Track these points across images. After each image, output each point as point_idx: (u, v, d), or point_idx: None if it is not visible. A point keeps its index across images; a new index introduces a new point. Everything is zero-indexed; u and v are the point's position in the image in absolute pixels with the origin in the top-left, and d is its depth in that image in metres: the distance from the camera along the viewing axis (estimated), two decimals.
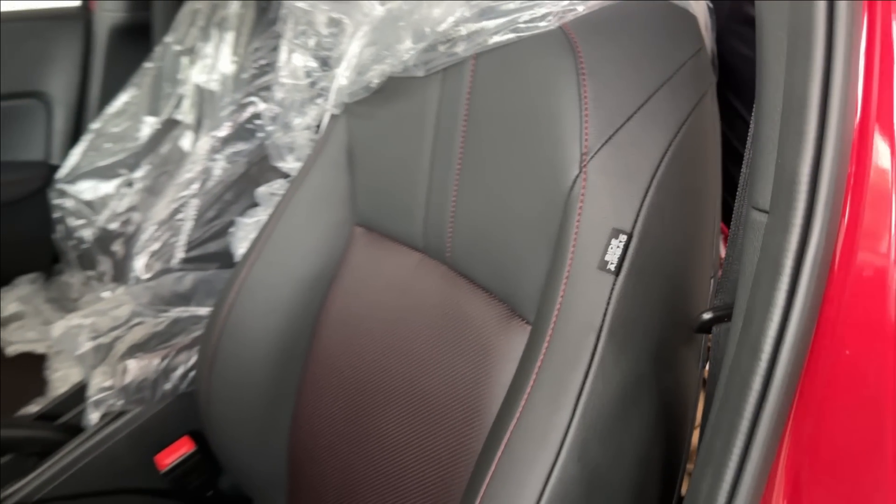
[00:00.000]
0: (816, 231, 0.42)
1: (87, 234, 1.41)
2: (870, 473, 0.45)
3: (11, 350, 1.31)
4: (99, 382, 0.92)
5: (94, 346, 0.96)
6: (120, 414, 0.95)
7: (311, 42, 0.83)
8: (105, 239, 1.37)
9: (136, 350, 0.96)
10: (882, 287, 0.43)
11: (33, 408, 1.12)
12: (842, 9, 0.40)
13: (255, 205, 1.09)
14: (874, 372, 0.44)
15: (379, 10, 0.75)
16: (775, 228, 0.43)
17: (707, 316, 0.58)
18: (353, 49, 0.77)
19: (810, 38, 0.41)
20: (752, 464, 0.44)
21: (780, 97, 0.44)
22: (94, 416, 0.93)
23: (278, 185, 1.03)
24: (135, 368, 0.93)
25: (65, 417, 1.02)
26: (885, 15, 0.42)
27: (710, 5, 0.67)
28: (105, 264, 1.37)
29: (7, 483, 0.94)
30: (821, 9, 0.41)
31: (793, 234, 0.42)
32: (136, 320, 1.00)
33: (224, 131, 1.14)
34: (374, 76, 0.76)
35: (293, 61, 0.89)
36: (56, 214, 1.44)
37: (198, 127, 1.31)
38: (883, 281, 0.43)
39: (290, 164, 0.99)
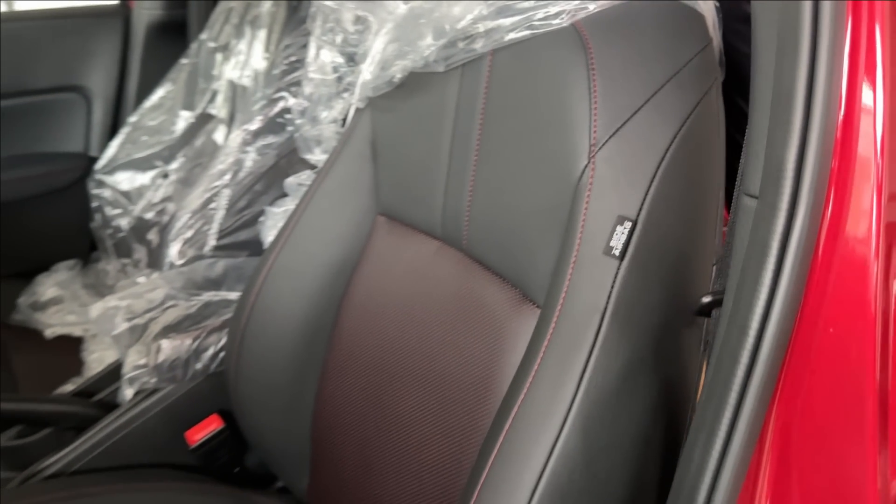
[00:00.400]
0: (801, 215, 0.45)
1: (124, 222, 1.47)
2: (851, 443, 0.47)
3: (50, 332, 1.37)
4: (133, 361, 0.97)
5: (130, 326, 1.02)
6: (153, 392, 1.00)
7: (339, 39, 0.87)
8: (140, 228, 1.43)
9: (169, 331, 1.01)
10: (864, 270, 0.45)
11: (70, 386, 1.18)
12: (826, 8, 0.43)
13: (284, 195, 1.13)
14: (856, 349, 0.46)
15: (402, 8, 0.79)
16: (763, 213, 0.46)
17: (706, 299, 0.61)
18: (377, 45, 0.81)
19: (797, 35, 0.44)
20: (739, 432, 0.48)
21: (770, 89, 0.46)
22: (128, 393, 0.98)
23: (306, 176, 1.07)
24: (168, 348, 0.98)
25: (100, 395, 1.07)
26: (870, 15, 0.45)
27: (717, 4, 0.70)
28: (140, 252, 1.43)
29: (46, 455, 1.00)
30: (807, 8, 0.44)
31: (779, 218, 0.45)
32: (170, 303, 1.05)
33: (255, 125, 1.19)
34: (397, 71, 0.80)
35: (321, 57, 0.93)
36: (94, 204, 1.51)
37: (230, 121, 1.36)
38: (865, 264, 0.45)
39: (318, 156, 1.04)
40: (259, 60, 1.30)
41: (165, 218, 1.37)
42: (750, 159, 0.49)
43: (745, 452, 0.48)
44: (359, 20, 0.84)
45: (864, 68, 0.44)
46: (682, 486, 0.51)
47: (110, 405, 1.04)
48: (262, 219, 1.13)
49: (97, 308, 1.05)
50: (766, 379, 0.46)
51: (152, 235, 1.39)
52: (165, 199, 1.42)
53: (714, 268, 0.67)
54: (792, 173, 0.45)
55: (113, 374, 1.09)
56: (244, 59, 1.35)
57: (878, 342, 0.45)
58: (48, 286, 1.46)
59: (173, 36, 1.58)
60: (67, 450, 0.98)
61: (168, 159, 1.47)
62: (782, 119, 0.45)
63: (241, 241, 1.16)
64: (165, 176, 1.47)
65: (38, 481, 0.96)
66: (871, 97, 0.44)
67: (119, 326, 1.02)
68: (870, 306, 0.45)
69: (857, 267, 0.45)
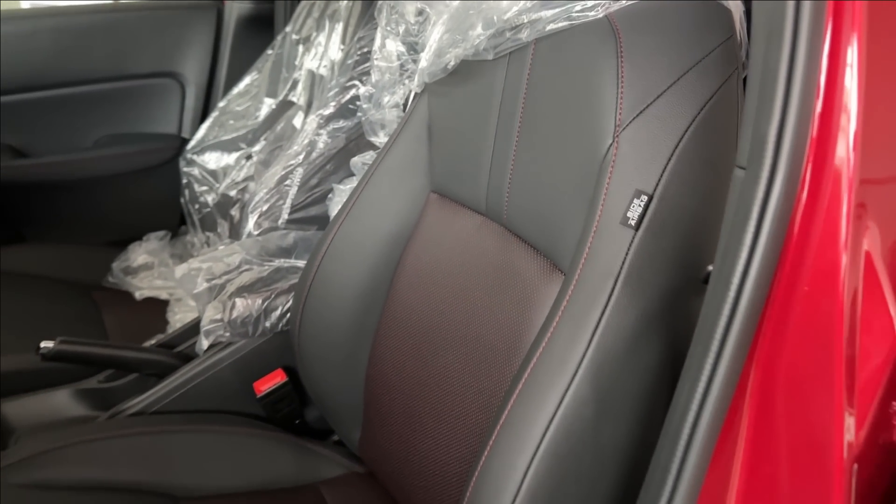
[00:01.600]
0: (778, 182, 0.50)
1: (210, 199, 1.60)
2: (822, 395, 0.53)
3: (139, 295, 1.51)
4: (210, 315, 1.08)
5: (209, 286, 1.13)
6: (226, 345, 1.11)
7: (401, 29, 0.96)
8: (224, 204, 1.56)
9: (242, 291, 1.12)
10: (835, 234, 0.51)
11: (154, 341, 1.30)
12: (806, 7, 0.49)
13: (351, 175, 1.23)
14: (826, 307, 0.52)
15: (456, 1, 0.87)
16: (748, 181, 0.52)
17: (711, 268, 0.67)
18: (434, 35, 0.89)
19: (781, 26, 0.50)
20: (719, 377, 0.53)
21: (759, 72, 0.52)
22: (204, 343, 1.09)
23: (369, 156, 1.16)
24: (241, 306, 1.09)
25: (180, 347, 1.20)
26: (850, 13, 0.50)
27: (745, 5, 0.75)
28: (223, 226, 1.55)
29: (131, 397, 1.13)
30: (790, 7, 0.50)
31: (760, 186, 0.51)
32: (245, 267, 1.16)
33: (329, 110, 1.28)
34: (450, 59, 0.88)
35: (386, 47, 1.02)
36: (184, 181, 1.65)
37: (308, 107, 1.47)
38: (836, 228, 0.51)
39: (382, 139, 1.13)
40: (335, 51, 1.40)
41: (247, 196, 1.49)
42: (742, 135, 0.54)
43: (725, 397, 0.54)
44: (419, 12, 0.92)
45: (842, 56, 0.50)
46: (670, 425, 0.57)
47: (188, 356, 1.16)
48: (330, 196, 1.23)
49: (181, 269, 1.17)
50: (745, 328, 0.52)
51: (234, 211, 1.52)
52: (247, 179, 1.54)
53: None
54: (773, 145, 0.50)
55: (192, 330, 1.21)
56: (322, 51, 1.45)
57: (847, 301, 0.50)
58: (140, 253, 1.61)
59: (260, 28, 1.71)
60: (149, 393, 1.11)
61: (251, 142, 1.60)
62: (767, 96, 0.51)
63: (311, 216, 1.26)
64: (249, 157, 1.59)
65: (122, 418, 1.09)
66: (848, 83, 0.50)
67: (200, 286, 1.14)
68: (838, 269, 0.50)
69: (829, 231, 0.51)
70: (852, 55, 0.50)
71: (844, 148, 0.50)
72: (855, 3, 0.49)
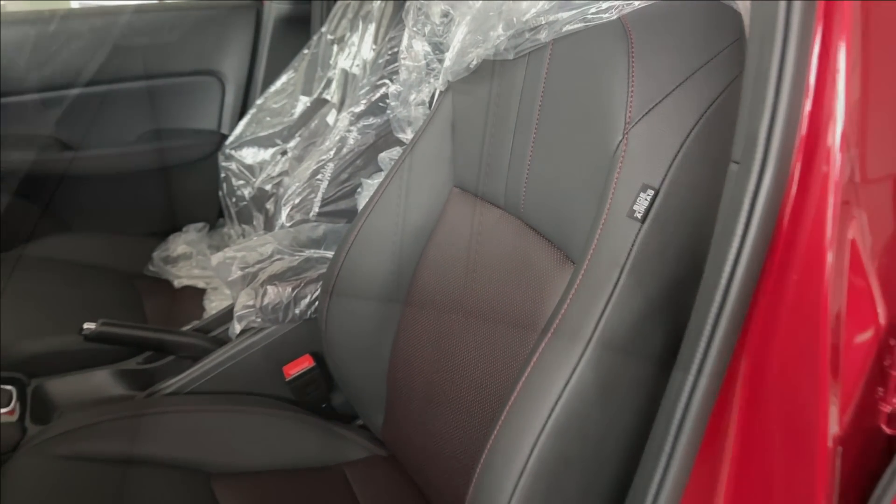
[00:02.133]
0: (768, 177, 0.53)
1: (246, 192, 1.66)
2: (807, 379, 0.55)
3: (178, 283, 1.58)
4: (243, 301, 1.14)
5: (242, 274, 1.19)
6: (257, 330, 1.17)
7: (427, 30, 1.00)
8: (260, 198, 1.61)
9: (274, 279, 1.17)
10: (822, 226, 0.53)
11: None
12: (796, 7, 0.52)
13: (379, 170, 1.27)
14: (813, 296, 0.54)
15: (479, 2, 0.90)
16: (740, 175, 0.55)
17: None
18: (457, 36, 0.93)
19: (775, 23, 0.53)
20: (709, 362, 0.56)
21: (753, 70, 0.55)
22: (237, 328, 1.15)
23: (396, 152, 1.21)
24: (272, 293, 1.14)
25: (215, 331, 1.25)
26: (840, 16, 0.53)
27: None
28: (258, 219, 1.61)
29: (167, 377, 1.18)
30: (782, 7, 0.52)
31: (751, 178, 0.54)
32: (277, 257, 1.21)
33: (359, 108, 1.33)
34: (473, 58, 0.92)
35: (413, 46, 1.06)
36: (222, 175, 1.71)
37: (340, 105, 1.52)
38: (823, 221, 0.53)
39: (409, 135, 1.17)
40: (367, 51, 1.45)
41: (282, 190, 1.54)
42: (737, 132, 0.57)
43: (716, 381, 0.57)
44: (444, 13, 0.96)
45: (832, 57, 0.52)
46: (664, 409, 0.61)
47: (222, 340, 1.21)
48: (359, 190, 1.28)
49: (217, 258, 1.23)
50: (735, 315, 0.55)
51: (270, 205, 1.57)
52: (282, 174, 1.60)
53: None
54: (764, 140, 0.53)
55: (226, 315, 1.27)
56: (356, 51, 1.50)
57: (832, 291, 0.53)
58: (179, 244, 1.67)
59: (297, 28, 1.77)
60: (184, 374, 1.16)
61: (287, 138, 1.65)
62: (759, 95, 0.54)
63: (340, 210, 1.31)
64: (284, 153, 1.64)
65: (159, 397, 1.14)
66: (838, 83, 0.52)
67: (234, 273, 1.19)
68: (824, 259, 0.53)
69: (816, 223, 0.53)
70: (842, 56, 0.52)
71: (833, 146, 0.53)
72: (844, 4, 0.52)
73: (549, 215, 0.85)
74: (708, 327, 0.56)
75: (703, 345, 0.57)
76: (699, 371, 0.57)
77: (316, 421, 1.13)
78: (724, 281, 0.55)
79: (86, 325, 1.14)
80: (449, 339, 0.96)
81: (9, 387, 1.14)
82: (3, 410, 1.11)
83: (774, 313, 0.56)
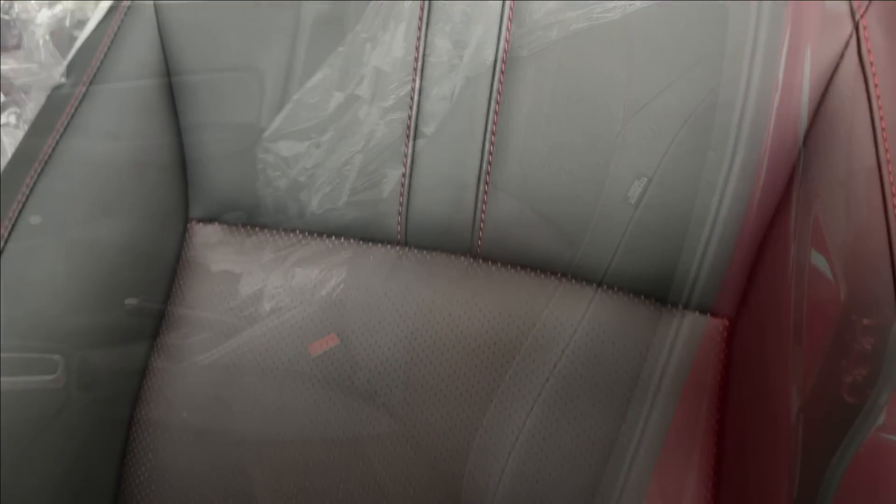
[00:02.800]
0: (739, 159, 0.58)
1: (282, 183, 1.73)
2: (775, 349, 0.60)
3: (215, 267, 1.66)
4: (273, 282, 1.21)
5: (274, 257, 1.26)
6: (287, 310, 1.24)
7: (448, 28, 1.06)
8: (294, 188, 1.68)
9: (303, 262, 1.24)
10: (787, 207, 0.58)
11: None
12: (766, 7, 0.57)
13: None
14: (781, 273, 0.59)
15: (495, 2, 0.96)
16: (715, 158, 0.60)
17: None
18: (475, 34, 0.99)
19: (746, 22, 0.58)
20: (685, 327, 0.61)
21: (729, 63, 0.60)
22: (267, 307, 1.22)
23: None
24: (300, 275, 1.21)
25: (246, 311, 1.33)
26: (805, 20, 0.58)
27: None
28: (292, 209, 1.68)
29: (202, 351, 1.26)
30: (753, 7, 0.58)
31: (724, 162, 0.59)
32: (306, 242, 1.28)
33: (388, 102, 1.40)
34: (490, 55, 0.98)
35: (436, 43, 1.12)
36: (259, 166, 1.78)
37: (371, 100, 1.58)
38: (788, 202, 0.58)
39: (432, 129, 1.23)
40: (398, 49, 1.51)
41: (314, 180, 1.61)
42: (715, 122, 0.62)
43: (691, 346, 0.62)
44: (463, 12, 1.02)
45: (800, 55, 0.57)
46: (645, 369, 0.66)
47: (254, 318, 1.29)
48: (385, 180, 1.34)
49: (251, 241, 1.30)
50: (709, 280, 0.61)
51: (303, 195, 1.64)
52: (316, 165, 1.67)
53: None
54: (735, 128, 0.58)
55: (257, 295, 1.34)
56: (387, 49, 1.57)
57: (794, 266, 0.58)
58: (217, 230, 1.75)
59: (333, 27, 1.83)
60: (218, 349, 1.24)
61: (321, 132, 1.72)
62: (731, 87, 0.59)
63: (367, 199, 1.37)
64: (318, 146, 1.71)
65: (196, 368, 1.22)
66: (800, 77, 0.57)
67: (266, 257, 1.27)
68: (788, 236, 0.58)
69: (783, 204, 0.58)
70: (808, 56, 0.57)
71: (797, 136, 0.58)
72: (811, 6, 0.57)
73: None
74: (686, 291, 0.62)
75: (680, 307, 0.62)
76: (675, 338, 0.62)
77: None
78: (699, 253, 0.61)
79: (127, 300, 1.23)
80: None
81: (56, 356, 1.23)
82: (50, 378, 1.20)
83: (751, 277, 0.61)
